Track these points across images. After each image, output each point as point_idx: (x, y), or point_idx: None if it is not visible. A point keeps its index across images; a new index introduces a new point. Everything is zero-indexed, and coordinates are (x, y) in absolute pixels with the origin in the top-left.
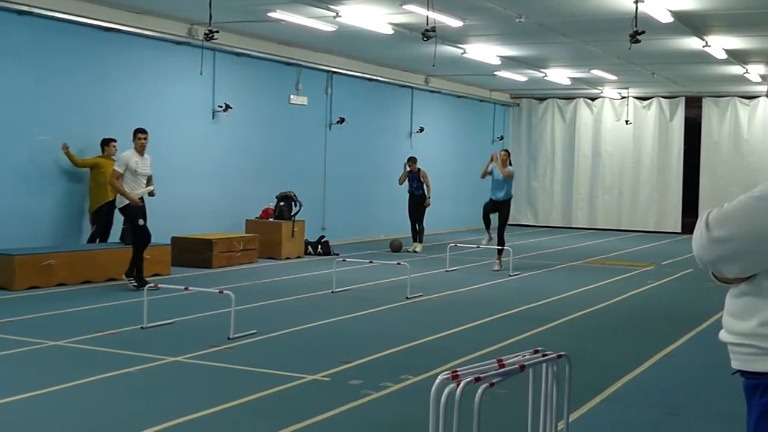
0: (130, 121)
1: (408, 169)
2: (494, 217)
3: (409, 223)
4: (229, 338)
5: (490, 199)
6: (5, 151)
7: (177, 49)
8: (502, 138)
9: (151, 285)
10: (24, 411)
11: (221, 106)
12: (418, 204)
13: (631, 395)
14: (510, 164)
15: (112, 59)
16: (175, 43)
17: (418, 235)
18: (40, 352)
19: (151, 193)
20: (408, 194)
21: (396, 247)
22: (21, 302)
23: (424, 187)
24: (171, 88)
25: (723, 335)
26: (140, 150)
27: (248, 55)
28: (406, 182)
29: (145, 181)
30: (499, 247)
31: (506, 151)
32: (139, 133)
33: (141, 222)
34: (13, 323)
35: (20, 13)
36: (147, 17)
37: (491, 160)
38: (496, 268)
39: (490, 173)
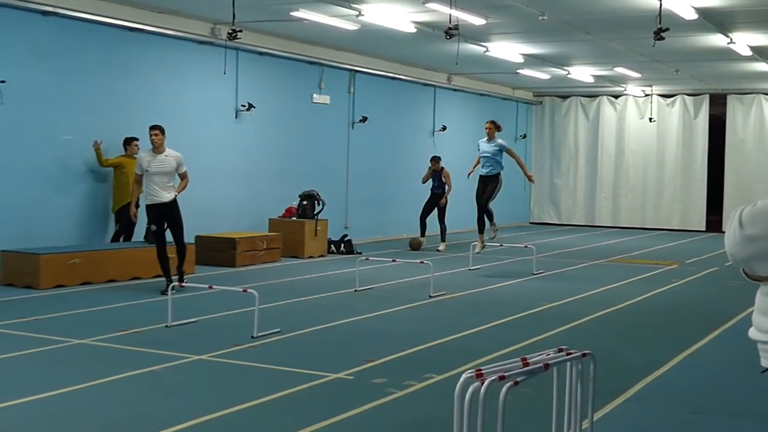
0: (154, 121)
1: (431, 167)
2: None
3: (420, 218)
4: (252, 337)
5: (479, 177)
6: (31, 151)
7: (200, 48)
8: (525, 136)
9: (175, 284)
10: (49, 409)
11: (244, 106)
12: (435, 202)
13: (656, 394)
14: (496, 136)
15: (136, 59)
16: (198, 42)
17: (441, 234)
18: (66, 350)
19: (170, 199)
20: (429, 191)
21: (415, 246)
22: (46, 301)
23: (445, 186)
24: (194, 88)
25: (753, 333)
26: (155, 148)
27: (271, 55)
28: (429, 181)
29: (162, 181)
30: (484, 226)
31: (491, 121)
32: (150, 130)
33: (152, 227)
34: (39, 322)
35: (45, 13)
36: (170, 17)
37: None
38: (478, 249)
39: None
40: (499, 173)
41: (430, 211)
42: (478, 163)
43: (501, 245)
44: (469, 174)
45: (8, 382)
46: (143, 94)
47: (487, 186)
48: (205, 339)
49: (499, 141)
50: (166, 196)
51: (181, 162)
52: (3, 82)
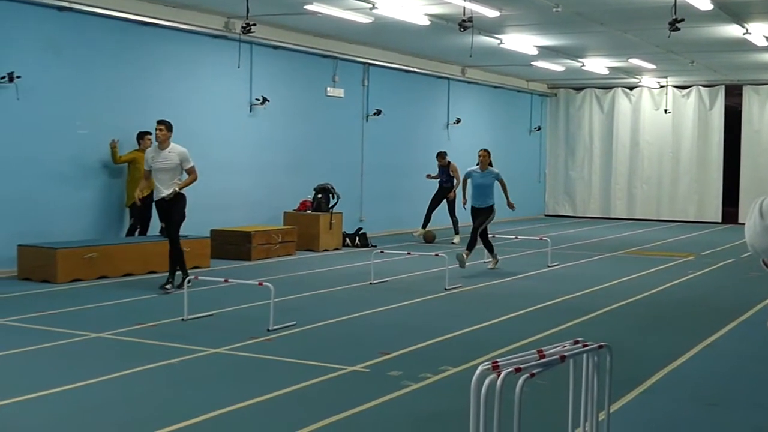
0: (168, 115)
1: (438, 164)
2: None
3: (426, 210)
4: (268, 330)
5: (471, 208)
6: (47, 146)
7: (214, 42)
8: (539, 128)
9: (191, 278)
10: (67, 402)
11: (258, 99)
12: (443, 195)
13: (672, 386)
14: (491, 165)
15: (151, 53)
16: (212, 36)
17: (453, 227)
18: (83, 344)
19: (169, 195)
20: (438, 185)
21: (429, 239)
22: (63, 295)
23: (453, 180)
24: (209, 82)
25: None
26: (159, 144)
27: (285, 48)
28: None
29: (164, 178)
30: (472, 249)
31: (485, 150)
32: (156, 124)
33: (162, 225)
34: (56, 315)
35: (61, 9)
36: (184, 11)
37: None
38: (492, 266)
39: (468, 177)
40: (492, 205)
41: (438, 205)
42: (465, 188)
43: (516, 238)
44: (465, 204)
45: (26, 376)
46: (158, 89)
47: (480, 216)
48: (221, 332)
49: (494, 171)
50: (166, 193)
51: (185, 158)
52: (19, 77)
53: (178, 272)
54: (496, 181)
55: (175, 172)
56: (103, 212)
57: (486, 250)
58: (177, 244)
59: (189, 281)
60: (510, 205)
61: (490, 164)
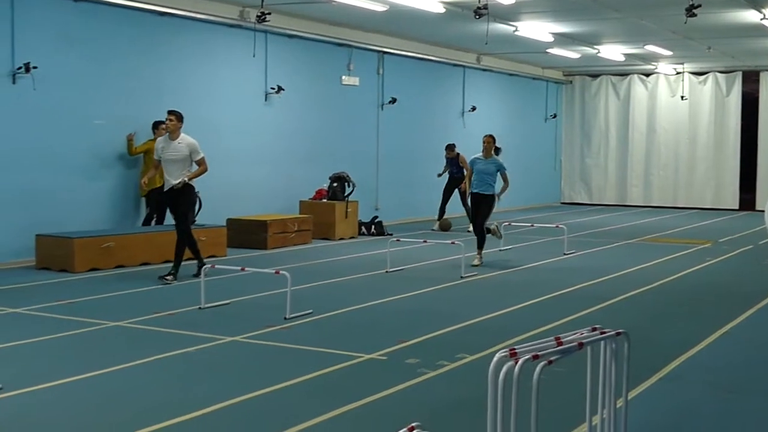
0: (184, 104)
1: (446, 156)
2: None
3: (440, 201)
4: (285, 318)
5: (472, 193)
6: (63, 137)
7: (229, 31)
8: (555, 116)
9: (208, 266)
10: (85, 390)
11: (274, 88)
12: (455, 186)
13: (690, 373)
14: (497, 151)
15: (166, 43)
16: (227, 26)
17: (467, 215)
18: (101, 332)
19: (177, 184)
20: (448, 175)
21: (445, 227)
22: (81, 284)
23: (464, 170)
24: (224, 71)
25: None
26: (169, 134)
27: (300, 37)
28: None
29: (172, 168)
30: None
31: (490, 136)
32: (167, 114)
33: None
34: (75, 304)
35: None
36: (200, 1)
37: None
38: (476, 262)
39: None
40: (493, 194)
41: (450, 195)
42: (470, 178)
43: (532, 225)
44: (467, 193)
45: (45, 364)
46: (173, 78)
47: (480, 206)
48: (238, 321)
49: (498, 161)
50: (175, 182)
51: (195, 149)
52: (35, 67)
53: (192, 262)
54: (497, 173)
55: (184, 163)
56: (120, 202)
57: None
58: (189, 236)
59: (206, 269)
60: (497, 196)
61: (496, 151)
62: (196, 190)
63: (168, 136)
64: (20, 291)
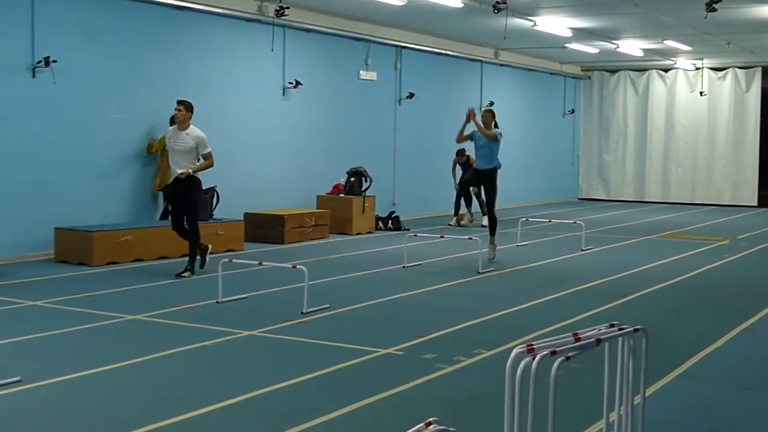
0: (202, 99)
1: (456, 161)
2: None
3: (455, 198)
4: (302, 312)
5: (474, 170)
6: (83, 131)
7: (248, 26)
8: (573, 111)
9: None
10: (103, 383)
11: (291, 83)
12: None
13: (709, 370)
14: (496, 125)
15: (185, 38)
16: (246, 20)
17: (481, 208)
18: (119, 325)
19: (182, 174)
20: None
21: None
22: (100, 277)
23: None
24: (242, 66)
25: None
26: (179, 124)
27: (318, 31)
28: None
29: (178, 159)
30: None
31: (489, 110)
32: (176, 104)
33: (166, 205)
34: (93, 298)
35: None
36: None
37: (467, 119)
38: (491, 255)
39: (470, 138)
40: (496, 168)
41: (465, 193)
42: (461, 134)
43: (549, 221)
44: (462, 134)
45: (63, 357)
46: (192, 72)
47: (485, 184)
48: (256, 315)
49: (497, 130)
50: (179, 172)
51: (202, 142)
52: (55, 61)
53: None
54: (499, 146)
55: (189, 155)
56: (138, 196)
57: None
58: (194, 233)
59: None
60: (471, 115)
61: (496, 125)
62: (214, 186)
63: (177, 126)
64: (39, 284)
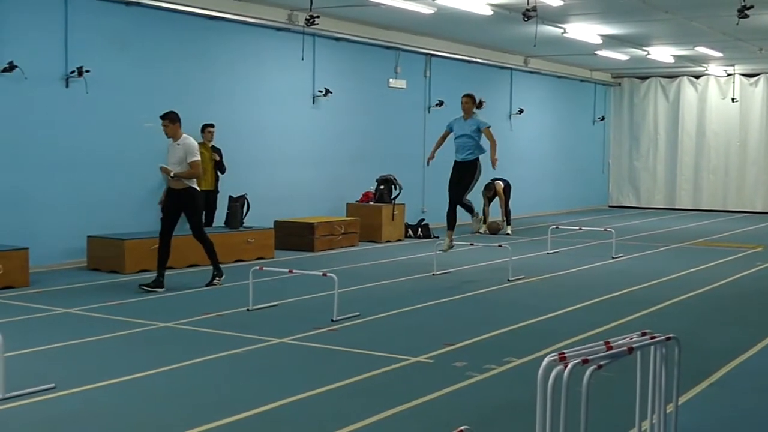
0: (233, 108)
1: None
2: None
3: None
4: (332, 320)
5: (454, 162)
6: (114, 140)
7: (278, 35)
8: (603, 118)
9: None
10: (135, 390)
11: (321, 91)
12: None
13: (741, 379)
14: (475, 113)
15: (215, 47)
16: (276, 29)
17: (506, 217)
18: (152, 333)
19: (171, 174)
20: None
21: (493, 230)
22: (132, 285)
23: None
24: (272, 75)
25: None
26: (172, 138)
27: (348, 40)
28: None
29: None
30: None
31: (470, 95)
32: (161, 120)
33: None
34: (125, 305)
35: (128, 3)
36: (248, 4)
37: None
38: (445, 247)
39: (450, 131)
40: (477, 159)
41: (491, 201)
42: (440, 145)
43: (580, 229)
44: (429, 160)
45: (96, 364)
46: (223, 82)
47: (463, 175)
48: (286, 322)
49: (478, 119)
50: (174, 184)
51: (189, 150)
52: (88, 71)
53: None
54: (482, 134)
55: (181, 166)
56: None
57: (465, 211)
58: (208, 242)
59: (149, 287)
60: (493, 162)
61: (479, 106)
62: (244, 194)
63: (172, 138)
64: (72, 291)
